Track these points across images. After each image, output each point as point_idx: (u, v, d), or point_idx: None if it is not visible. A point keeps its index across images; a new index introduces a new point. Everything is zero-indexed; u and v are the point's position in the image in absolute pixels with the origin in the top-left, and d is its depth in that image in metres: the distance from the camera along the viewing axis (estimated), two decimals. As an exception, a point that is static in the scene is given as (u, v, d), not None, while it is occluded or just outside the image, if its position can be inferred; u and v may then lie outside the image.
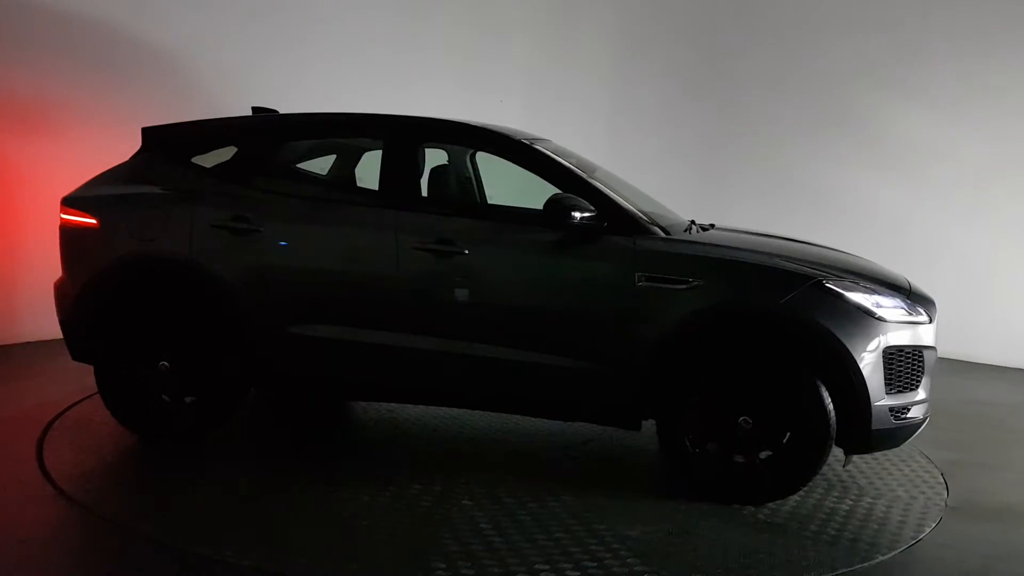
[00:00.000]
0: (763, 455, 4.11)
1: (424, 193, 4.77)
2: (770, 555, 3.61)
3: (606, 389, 4.23)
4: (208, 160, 4.80)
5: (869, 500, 4.30)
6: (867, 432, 4.07)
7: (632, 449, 4.89)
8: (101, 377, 4.63)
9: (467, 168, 5.41)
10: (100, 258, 4.61)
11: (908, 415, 4.18)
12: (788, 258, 4.31)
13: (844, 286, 4.08)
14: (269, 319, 4.48)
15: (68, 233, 4.71)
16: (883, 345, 4.05)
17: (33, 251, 6.62)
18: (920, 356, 4.23)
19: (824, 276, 4.12)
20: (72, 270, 4.70)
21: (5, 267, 6.69)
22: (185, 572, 3.31)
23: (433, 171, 4.97)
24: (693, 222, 4.92)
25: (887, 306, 4.15)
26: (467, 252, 4.30)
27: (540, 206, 4.23)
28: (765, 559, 3.57)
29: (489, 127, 4.76)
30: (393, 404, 5.49)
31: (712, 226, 4.99)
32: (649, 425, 4.32)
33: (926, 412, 4.33)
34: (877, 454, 4.88)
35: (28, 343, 6.70)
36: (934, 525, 4.07)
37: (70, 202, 4.72)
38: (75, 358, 4.74)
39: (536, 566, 3.40)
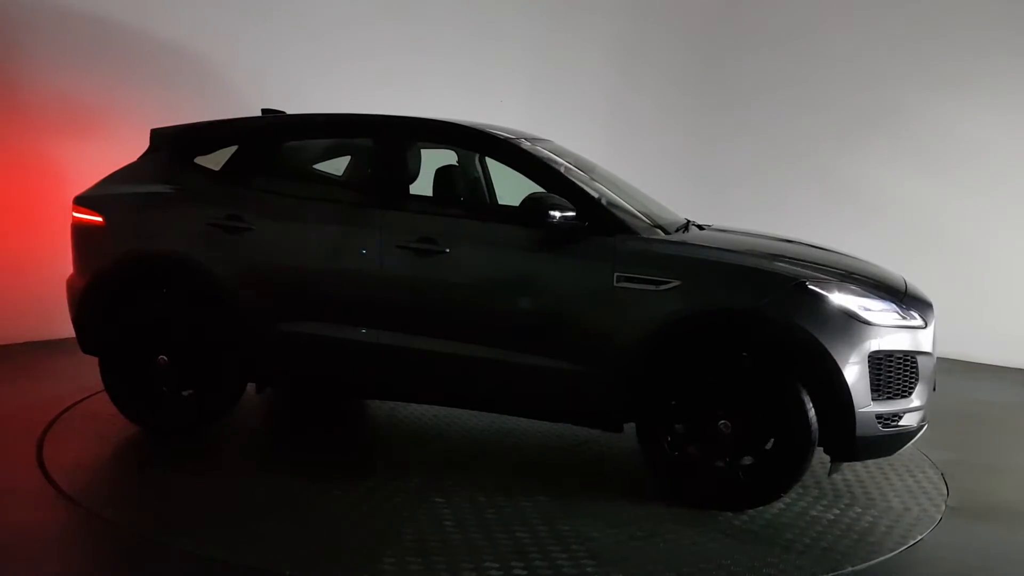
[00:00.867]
0: (745, 461, 4.01)
1: (430, 193, 4.81)
2: (733, 562, 3.51)
3: (585, 390, 4.18)
4: (211, 160, 4.94)
5: (858, 510, 4.15)
6: (851, 439, 3.93)
7: (624, 452, 4.80)
8: (105, 370, 4.80)
9: (476, 168, 5.43)
10: (105, 255, 4.79)
11: (899, 423, 4.02)
12: (774, 259, 4.20)
13: (827, 288, 3.95)
14: (261, 316, 4.58)
15: (78, 231, 4.91)
16: (870, 350, 3.91)
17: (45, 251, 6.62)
18: (913, 362, 4.06)
19: (807, 277, 3.99)
20: (81, 266, 4.91)
21: (5, 267, 6.70)
22: (185, 572, 3.35)
23: (439, 171, 4.99)
24: (690, 221, 4.84)
25: (876, 309, 3.99)
26: (448, 251, 4.32)
27: None
28: (726, 565, 3.48)
29: (475, 125, 4.74)
30: (391, 402, 5.51)
31: (709, 226, 4.90)
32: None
33: (922, 420, 4.15)
34: (880, 462, 4.71)
35: (28, 343, 6.71)
36: (933, 526, 3.99)
37: (81, 201, 4.93)
38: (84, 351, 4.93)
39: (485, 564, 3.39)
